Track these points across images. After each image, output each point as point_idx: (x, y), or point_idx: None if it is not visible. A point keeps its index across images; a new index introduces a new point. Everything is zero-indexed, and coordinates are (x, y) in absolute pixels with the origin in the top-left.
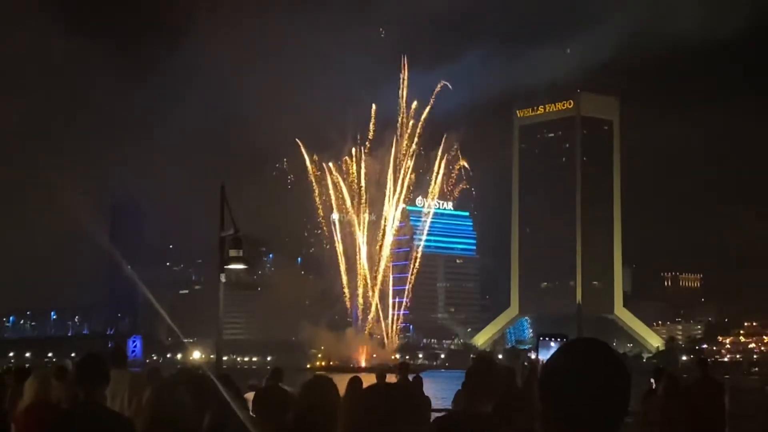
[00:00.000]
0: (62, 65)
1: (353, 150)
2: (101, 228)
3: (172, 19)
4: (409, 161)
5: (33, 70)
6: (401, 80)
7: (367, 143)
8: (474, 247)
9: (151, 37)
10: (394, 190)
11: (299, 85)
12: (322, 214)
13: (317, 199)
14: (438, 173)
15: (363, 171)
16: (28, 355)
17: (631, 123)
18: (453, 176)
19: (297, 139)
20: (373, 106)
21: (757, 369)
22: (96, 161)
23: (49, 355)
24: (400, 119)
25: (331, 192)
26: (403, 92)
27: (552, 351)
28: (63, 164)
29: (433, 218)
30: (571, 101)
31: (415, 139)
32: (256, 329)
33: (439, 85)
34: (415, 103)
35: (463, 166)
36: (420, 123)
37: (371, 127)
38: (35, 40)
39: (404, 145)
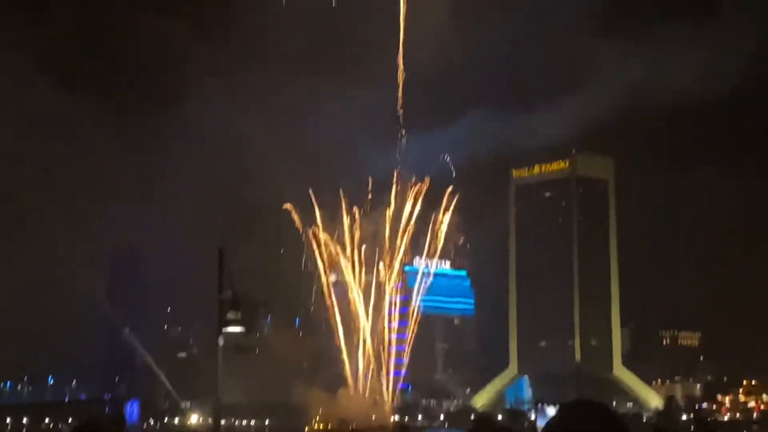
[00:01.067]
0: (58, 118)
1: (345, 218)
2: (99, 290)
3: (171, 74)
4: (405, 236)
5: (29, 124)
6: (398, 144)
7: (367, 206)
8: (472, 307)
9: (149, 92)
10: (391, 253)
11: (297, 144)
12: (317, 274)
13: (311, 260)
14: (436, 235)
15: (358, 233)
16: (25, 420)
17: (627, 182)
18: (453, 244)
19: (288, 205)
20: (370, 179)
21: (757, 427)
22: (91, 220)
23: (47, 420)
24: (395, 189)
25: (320, 253)
26: (400, 157)
27: (550, 417)
28: (59, 224)
29: (430, 277)
30: (567, 161)
31: (416, 210)
32: (254, 392)
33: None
34: (413, 179)
35: (460, 232)
36: (416, 191)
37: (369, 191)
38: (33, 93)
39: (402, 207)
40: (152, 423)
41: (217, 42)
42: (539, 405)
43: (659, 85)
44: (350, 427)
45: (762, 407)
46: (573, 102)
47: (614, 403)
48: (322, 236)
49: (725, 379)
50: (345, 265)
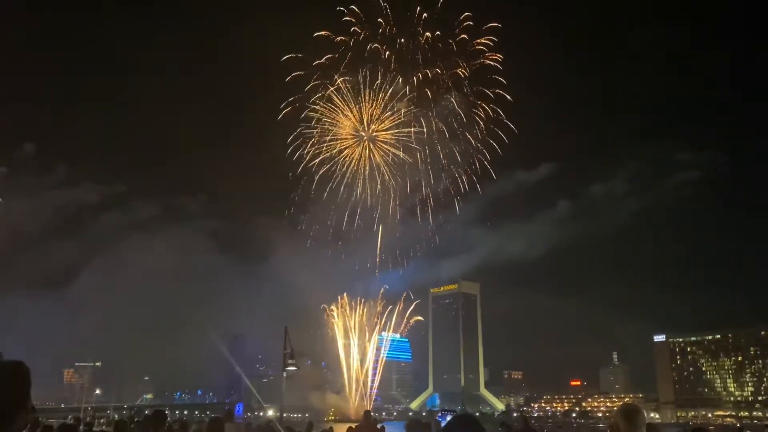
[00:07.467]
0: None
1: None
2: (225, 348)
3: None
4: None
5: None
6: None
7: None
8: (410, 358)
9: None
10: (371, 330)
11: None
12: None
13: (332, 332)
14: (393, 321)
15: (357, 318)
16: (186, 412)
17: (486, 296)
18: (401, 325)
19: (324, 305)
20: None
21: (551, 421)
22: (224, 315)
23: (196, 413)
24: (378, 303)
25: (338, 330)
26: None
27: (446, 418)
28: (203, 314)
29: (389, 342)
30: (457, 285)
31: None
32: (299, 398)
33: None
34: (382, 290)
35: (406, 320)
36: (380, 303)
37: (361, 300)
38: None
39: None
40: (249, 415)
41: None
42: (441, 412)
43: (502, 252)
44: (349, 418)
45: (557, 408)
46: (461, 259)
47: (480, 407)
48: (340, 322)
49: (535, 395)
50: (351, 336)
